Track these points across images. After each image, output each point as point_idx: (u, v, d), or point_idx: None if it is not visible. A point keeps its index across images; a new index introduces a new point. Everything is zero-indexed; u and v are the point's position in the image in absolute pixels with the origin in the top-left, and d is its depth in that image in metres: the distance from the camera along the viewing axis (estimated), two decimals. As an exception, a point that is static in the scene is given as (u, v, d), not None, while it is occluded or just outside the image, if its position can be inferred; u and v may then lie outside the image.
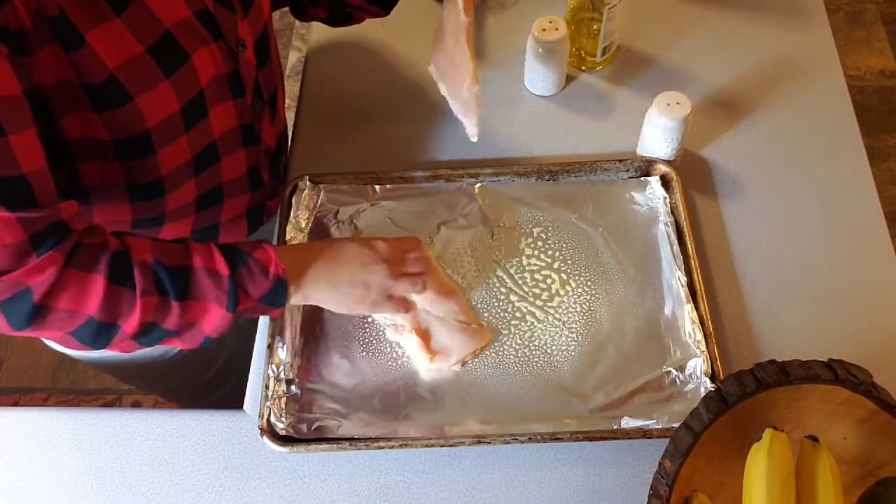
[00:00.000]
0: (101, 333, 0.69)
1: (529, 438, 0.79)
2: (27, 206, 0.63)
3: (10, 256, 0.63)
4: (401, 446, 0.79)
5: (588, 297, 0.89)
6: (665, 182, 0.95)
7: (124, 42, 0.65)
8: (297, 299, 0.77)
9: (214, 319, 0.72)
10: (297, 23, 2.29)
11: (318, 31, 1.15)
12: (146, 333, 0.70)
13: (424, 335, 0.85)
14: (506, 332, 0.87)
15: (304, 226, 0.94)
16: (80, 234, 0.68)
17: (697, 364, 0.82)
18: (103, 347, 0.70)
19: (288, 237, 0.92)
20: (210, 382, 1.09)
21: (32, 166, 0.62)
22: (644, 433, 0.79)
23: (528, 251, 0.92)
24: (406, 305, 0.83)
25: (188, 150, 0.77)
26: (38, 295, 0.65)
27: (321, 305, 0.80)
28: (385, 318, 0.87)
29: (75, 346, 0.72)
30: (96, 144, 0.70)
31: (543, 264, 0.91)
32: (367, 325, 0.87)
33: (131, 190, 0.78)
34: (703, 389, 0.81)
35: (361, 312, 0.83)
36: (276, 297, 0.74)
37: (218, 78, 0.75)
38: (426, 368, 0.84)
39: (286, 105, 1.08)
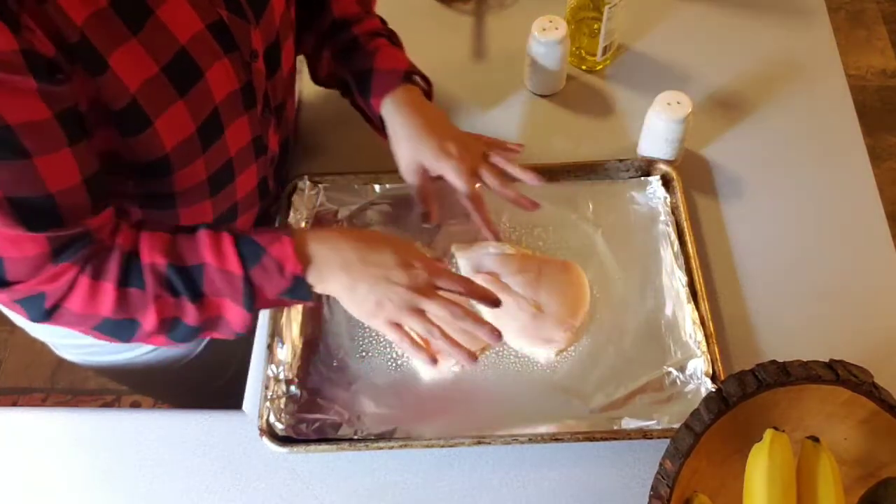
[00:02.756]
0: (121, 329, 0.70)
1: (529, 439, 0.79)
2: (51, 227, 0.64)
3: (29, 268, 0.64)
4: (401, 446, 0.79)
5: (588, 298, 0.88)
6: (665, 182, 0.95)
7: (142, 62, 0.65)
8: (321, 291, 0.74)
9: (235, 316, 0.72)
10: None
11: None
12: (172, 329, 0.71)
13: (424, 335, 0.85)
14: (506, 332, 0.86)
15: (304, 226, 0.93)
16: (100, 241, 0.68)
17: (698, 364, 0.82)
18: (130, 341, 0.71)
19: (287, 237, 0.92)
20: (221, 389, 1.09)
21: (62, 184, 0.63)
22: (644, 434, 0.79)
23: (528, 251, 0.92)
24: (425, 325, 0.74)
25: (203, 171, 0.76)
26: (52, 301, 0.66)
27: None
28: (385, 319, 0.87)
29: (103, 339, 0.72)
30: (116, 161, 0.70)
31: (544, 264, 0.91)
32: (366, 326, 0.87)
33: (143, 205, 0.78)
34: (703, 390, 0.81)
35: (373, 326, 0.78)
36: (297, 293, 0.72)
37: (232, 93, 0.74)
38: (426, 369, 0.84)
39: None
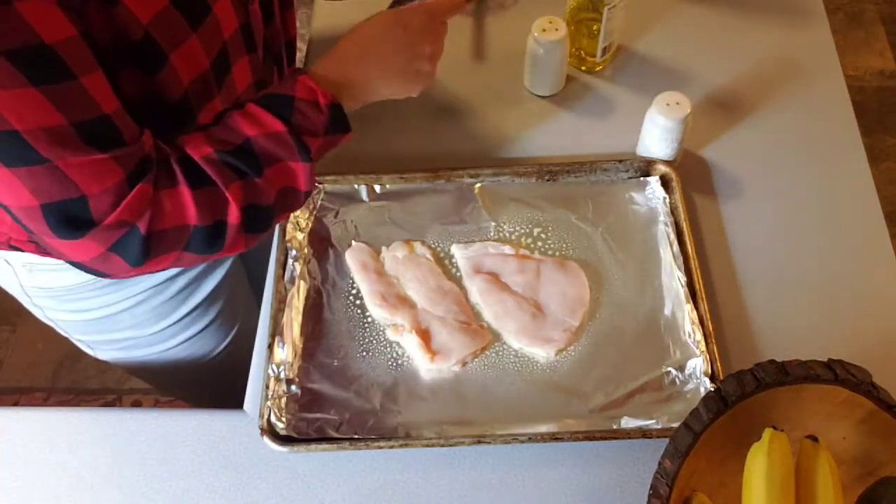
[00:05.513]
0: (212, 237, 0.70)
1: (529, 438, 0.79)
2: (117, 145, 0.63)
3: (111, 198, 0.64)
4: (401, 446, 0.79)
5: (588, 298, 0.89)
6: (665, 182, 0.95)
7: None
8: (356, 107, 0.79)
9: (300, 174, 0.73)
10: (298, 23, 2.29)
11: (319, 31, 1.15)
12: (253, 219, 0.71)
13: (424, 335, 0.85)
14: (506, 332, 0.87)
15: (304, 226, 0.94)
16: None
17: (697, 364, 0.82)
18: (221, 251, 0.71)
19: (288, 237, 0.92)
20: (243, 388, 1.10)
21: (110, 107, 0.62)
22: (644, 433, 0.79)
23: (528, 251, 0.92)
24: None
25: (221, 110, 0.76)
26: (144, 226, 0.66)
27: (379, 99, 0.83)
28: (385, 318, 0.87)
29: (196, 262, 0.73)
30: (148, 108, 0.70)
31: (543, 264, 0.91)
32: (367, 325, 0.88)
33: None
34: (702, 389, 0.81)
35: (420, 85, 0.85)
36: (338, 123, 0.75)
37: (236, 30, 0.75)
38: (426, 368, 0.84)
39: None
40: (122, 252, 0.67)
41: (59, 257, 0.68)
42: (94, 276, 0.81)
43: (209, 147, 0.69)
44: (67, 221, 0.63)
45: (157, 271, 0.73)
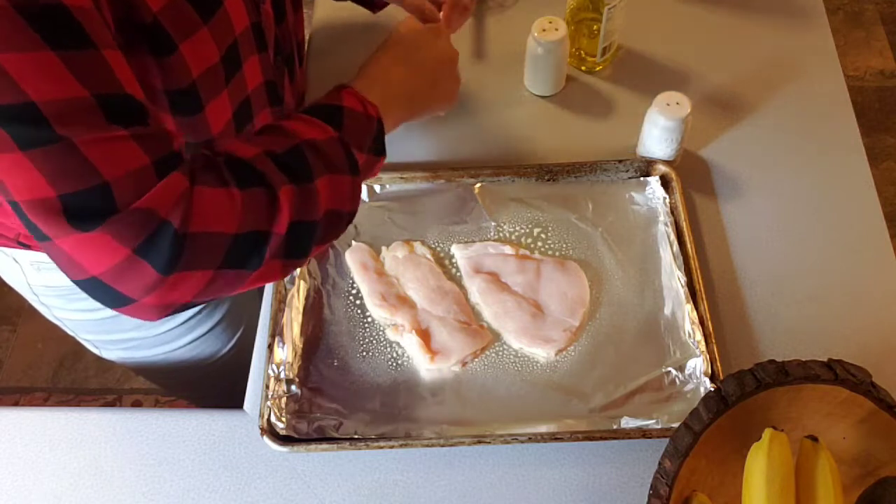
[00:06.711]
0: (254, 249, 0.63)
1: (529, 438, 0.79)
2: (138, 122, 0.57)
3: (136, 186, 0.57)
4: (401, 446, 0.79)
5: (588, 298, 0.89)
6: (665, 182, 0.95)
7: None
8: (396, 124, 0.79)
9: (347, 188, 0.70)
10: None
11: (318, 31, 1.15)
12: (297, 238, 0.65)
13: (424, 335, 0.85)
14: (506, 332, 0.87)
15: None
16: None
17: (697, 364, 0.82)
18: (256, 269, 0.64)
19: (288, 237, 0.92)
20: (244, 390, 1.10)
21: (133, 89, 0.58)
22: (644, 433, 0.79)
23: (527, 251, 0.92)
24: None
25: (229, 106, 0.75)
26: (178, 223, 0.58)
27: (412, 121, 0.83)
28: (385, 318, 0.88)
29: (233, 283, 0.64)
30: (153, 94, 0.68)
31: (543, 264, 0.91)
32: (367, 325, 0.88)
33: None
34: (702, 389, 0.81)
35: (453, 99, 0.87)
36: (380, 141, 0.74)
37: (248, 28, 0.74)
38: (426, 368, 0.84)
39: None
40: (150, 255, 0.57)
41: (71, 270, 0.60)
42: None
43: (258, 148, 0.65)
44: (87, 212, 0.55)
45: (185, 301, 0.62)
